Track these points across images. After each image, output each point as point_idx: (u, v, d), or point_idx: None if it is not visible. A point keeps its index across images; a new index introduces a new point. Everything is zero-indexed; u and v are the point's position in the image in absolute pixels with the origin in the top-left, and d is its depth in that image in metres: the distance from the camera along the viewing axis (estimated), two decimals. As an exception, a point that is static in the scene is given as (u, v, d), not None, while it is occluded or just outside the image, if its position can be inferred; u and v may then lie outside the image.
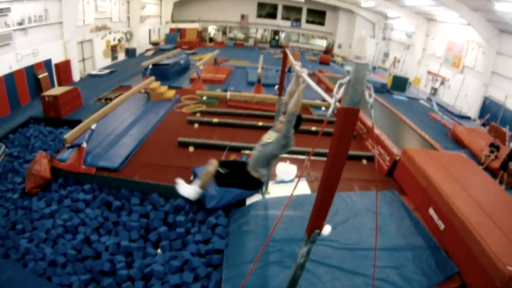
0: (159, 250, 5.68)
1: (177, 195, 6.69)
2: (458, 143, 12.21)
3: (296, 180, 7.07)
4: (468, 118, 17.37)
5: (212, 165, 3.62)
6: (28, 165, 7.75)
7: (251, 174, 3.63)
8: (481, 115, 17.31)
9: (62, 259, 5.40)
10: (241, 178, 3.69)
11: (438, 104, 18.41)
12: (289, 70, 18.29)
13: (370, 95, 1.98)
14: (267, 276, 4.61)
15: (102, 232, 6.02)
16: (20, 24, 12.51)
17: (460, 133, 12.45)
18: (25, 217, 6.52)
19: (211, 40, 34.00)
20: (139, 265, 5.18)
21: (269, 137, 3.59)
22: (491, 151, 10.60)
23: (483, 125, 16.24)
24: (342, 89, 1.88)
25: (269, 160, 3.60)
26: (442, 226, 5.84)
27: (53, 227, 6.07)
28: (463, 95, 18.65)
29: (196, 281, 5.00)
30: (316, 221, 2.32)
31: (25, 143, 9.75)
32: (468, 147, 11.54)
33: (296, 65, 3.26)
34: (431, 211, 6.20)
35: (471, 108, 17.83)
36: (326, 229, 2.34)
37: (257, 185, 3.79)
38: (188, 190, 3.77)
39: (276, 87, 6.09)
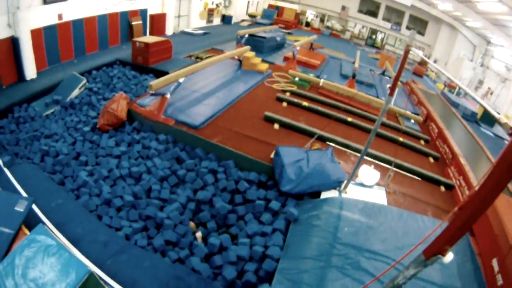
0: None
1: (252, 169, 6.55)
2: (539, 196, 10.52)
3: (375, 186, 6.79)
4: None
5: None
6: (105, 103, 7.89)
7: None
8: None
9: (119, 201, 5.32)
10: None
11: None
12: (383, 73, 17.68)
13: None
14: (324, 279, 4.42)
15: (165, 185, 5.91)
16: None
17: (542, 186, 10.71)
18: (91, 151, 6.60)
19: (307, 24, 33.50)
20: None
21: None
22: None
23: None
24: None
25: None
26: (500, 282, 5.40)
27: (117, 167, 6.03)
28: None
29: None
30: (442, 245, 2.21)
31: (107, 81, 10.07)
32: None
33: None
34: (494, 263, 5.77)
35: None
36: (449, 256, 2.27)
37: None
38: None
39: (388, 86, 5.40)
